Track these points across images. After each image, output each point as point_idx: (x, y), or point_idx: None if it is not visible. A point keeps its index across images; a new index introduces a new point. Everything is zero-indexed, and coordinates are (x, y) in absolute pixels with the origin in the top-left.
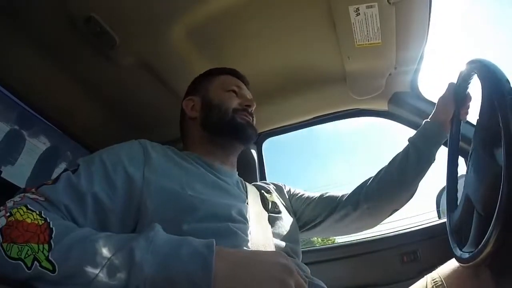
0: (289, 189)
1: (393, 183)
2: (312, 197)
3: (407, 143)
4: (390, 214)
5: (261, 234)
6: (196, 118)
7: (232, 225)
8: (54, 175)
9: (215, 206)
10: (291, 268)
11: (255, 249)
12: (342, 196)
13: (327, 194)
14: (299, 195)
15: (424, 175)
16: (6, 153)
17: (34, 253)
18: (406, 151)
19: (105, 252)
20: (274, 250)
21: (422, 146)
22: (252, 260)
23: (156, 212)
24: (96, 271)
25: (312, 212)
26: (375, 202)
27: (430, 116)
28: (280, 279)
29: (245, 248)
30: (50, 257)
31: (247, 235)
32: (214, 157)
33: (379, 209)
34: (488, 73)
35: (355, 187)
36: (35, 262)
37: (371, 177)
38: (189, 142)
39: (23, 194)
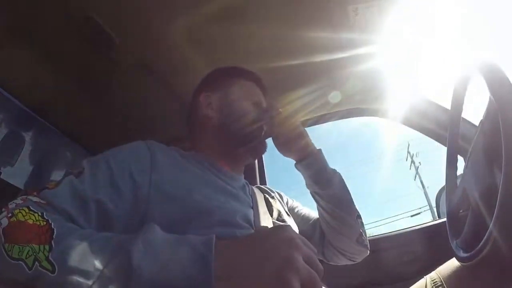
0: (287, 200)
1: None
2: (308, 222)
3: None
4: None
5: None
6: (212, 117)
7: (239, 232)
8: (54, 176)
9: (222, 212)
10: (295, 242)
11: None
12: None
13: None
14: (296, 210)
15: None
16: (6, 154)
17: (35, 254)
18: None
19: (104, 255)
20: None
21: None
22: (254, 247)
23: (162, 218)
24: (95, 276)
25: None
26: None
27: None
28: (285, 258)
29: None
30: (50, 257)
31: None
32: (223, 160)
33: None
34: (495, 81)
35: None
36: (36, 262)
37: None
38: (199, 140)
39: (25, 196)
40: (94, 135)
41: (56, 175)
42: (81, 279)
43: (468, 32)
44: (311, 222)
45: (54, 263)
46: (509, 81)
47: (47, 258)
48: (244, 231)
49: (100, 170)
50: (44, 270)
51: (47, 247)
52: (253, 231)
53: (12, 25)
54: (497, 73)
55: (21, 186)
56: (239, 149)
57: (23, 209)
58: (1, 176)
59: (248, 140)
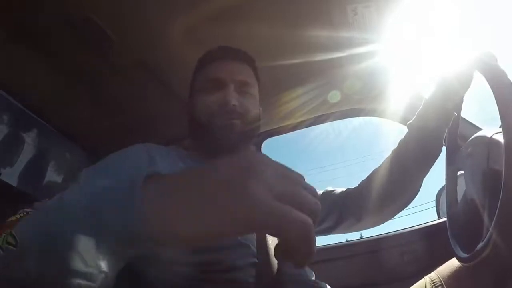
0: None
1: (394, 187)
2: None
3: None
4: (396, 214)
5: (264, 242)
6: (191, 121)
7: (240, 237)
8: (53, 177)
9: None
10: (256, 170)
11: (260, 258)
12: (343, 205)
13: (327, 201)
14: None
15: (431, 166)
16: (5, 155)
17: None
18: (405, 139)
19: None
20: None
21: (424, 126)
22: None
23: None
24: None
25: None
26: (378, 211)
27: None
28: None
29: (250, 259)
30: (13, 232)
31: (254, 246)
32: (219, 159)
33: (383, 214)
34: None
35: (354, 190)
36: (4, 242)
37: (370, 179)
38: (193, 143)
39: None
40: (94, 135)
41: (56, 176)
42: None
43: (467, 30)
44: (330, 192)
45: (16, 237)
46: (509, 79)
47: (10, 233)
48: (246, 235)
49: (99, 177)
50: (8, 245)
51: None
52: (254, 234)
53: (11, 25)
54: (497, 71)
55: (21, 187)
56: (214, 145)
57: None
58: (1, 177)
59: (213, 134)
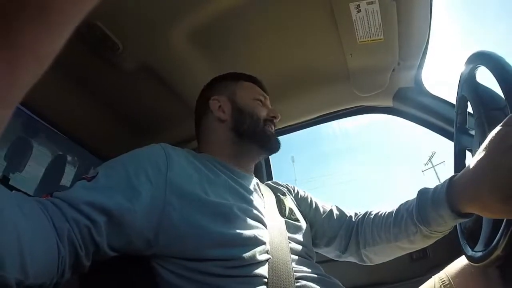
0: (297, 192)
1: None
2: (318, 217)
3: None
4: None
5: (277, 239)
6: (225, 120)
7: (257, 233)
8: (62, 181)
9: (237, 214)
10: None
11: (273, 254)
12: (346, 235)
13: (338, 224)
14: (306, 203)
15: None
16: (14, 160)
17: None
18: (408, 231)
19: None
20: (290, 254)
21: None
22: None
23: (180, 220)
24: None
25: (317, 234)
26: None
27: (460, 173)
28: None
29: (265, 255)
30: None
31: (268, 242)
32: (235, 162)
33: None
34: (495, 64)
35: (356, 232)
36: None
37: (370, 229)
38: (210, 143)
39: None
40: (102, 140)
41: (64, 180)
42: None
43: (472, 28)
44: (319, 223)
45: None
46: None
47: None
48: (261, 231)
49: (116, 172)
50: None
51: None
52: (266, 230)
53: None
54: (504, 66)
55: (30, 192)
56: (254, 147)
57: None
58: (10, 182)
59: (262, 137)
